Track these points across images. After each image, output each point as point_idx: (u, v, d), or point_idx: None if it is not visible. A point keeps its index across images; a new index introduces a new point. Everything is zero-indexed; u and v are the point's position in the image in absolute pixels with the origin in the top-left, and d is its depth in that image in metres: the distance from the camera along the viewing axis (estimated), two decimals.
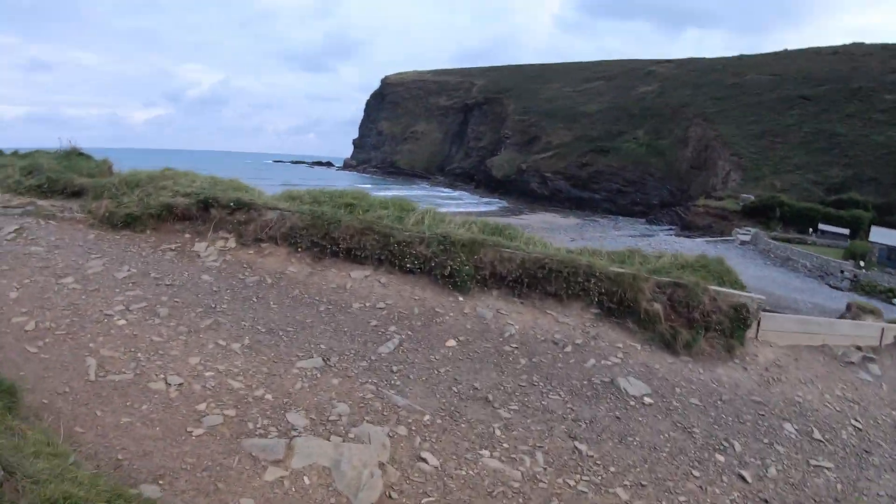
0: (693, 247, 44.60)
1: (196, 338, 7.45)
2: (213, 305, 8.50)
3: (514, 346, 8.93)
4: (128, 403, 5.88)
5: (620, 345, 9.63)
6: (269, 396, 6.32)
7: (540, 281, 10.36)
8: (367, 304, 9.33)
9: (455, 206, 74.85)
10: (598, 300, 10.33)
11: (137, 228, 10.92)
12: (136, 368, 6.50)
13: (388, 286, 9.95)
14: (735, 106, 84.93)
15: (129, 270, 9.25)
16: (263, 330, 7.98)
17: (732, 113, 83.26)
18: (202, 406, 5.95)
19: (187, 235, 10.93)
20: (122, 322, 7.54)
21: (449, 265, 10.12)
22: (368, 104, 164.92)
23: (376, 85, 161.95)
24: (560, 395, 7.85)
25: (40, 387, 5.98)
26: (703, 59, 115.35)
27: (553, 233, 53.10)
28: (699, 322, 10.28)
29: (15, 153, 15.59)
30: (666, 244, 46.83)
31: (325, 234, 10.56)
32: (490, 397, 7.42)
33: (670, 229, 66.60)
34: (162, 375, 6.42)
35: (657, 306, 10.38)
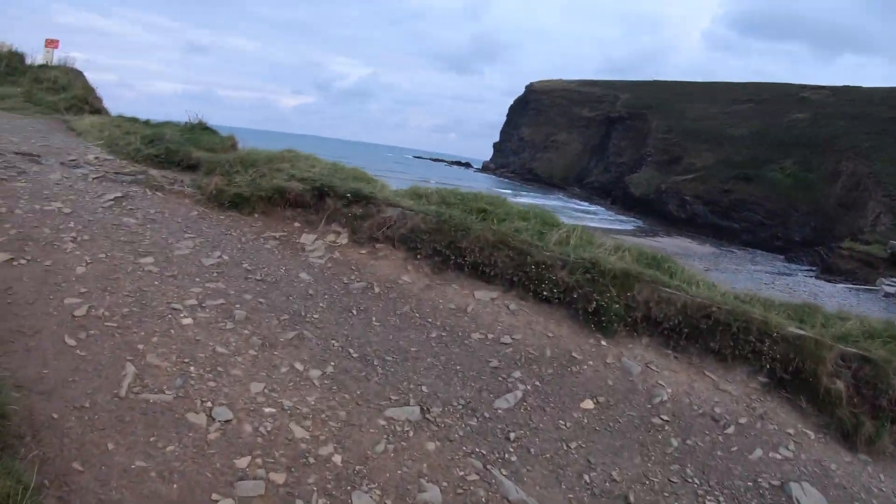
0: (834, 292, 40.08)
1: (269, 355, 5.88)
2: (303, 313, 6.95)
3: (665, 418, 6.71)
4: (152, 438, 4.35)
5: (792, 430, 7.16)
6: (337, 458, 4.58)
7: (702, 333, 8.05)
8: (490, 336, 7.45)
9: (590, 220, 70.99)
10: (769, 367, 7.90)
11: (244, 210, 9.70)
12: (182, 387, 4.99)
13: (517, 315, 8.05)
14: (892, 142, 74.62)
15: (219, 257, 7.94)
16: (356, 355, 6.30)
17: (889, 150, 73.02)
18: (244, 461, 4.30)
19: (297, 224, 9.58)
20: (188, 321, 6.11)
21: (595, 299, 8.03)
22: (511, 109, 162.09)
23: (520, 90, 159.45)
24: (718, 502, 5.60)
25: (59, 393, 4.61)
26: (861, 88, 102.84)
27: (687, 259, 48.63)
28: (885, 411, 7.61)
29: (146, 122, 15.16)
30: (804, 286, 42.06)
31: (450, 243, 8.82)
32: (632, 498, 5.27)
33: (810, 270, 59.81)
34: (209, 403, 4.86)
35: (839, 385, 7.77)
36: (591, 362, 7.40)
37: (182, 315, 6.20)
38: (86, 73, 23.82)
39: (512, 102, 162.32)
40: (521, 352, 7.24)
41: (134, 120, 16.12)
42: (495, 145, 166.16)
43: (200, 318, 6.25)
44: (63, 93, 21.32)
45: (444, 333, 7.32)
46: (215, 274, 7.42)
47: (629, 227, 75.62)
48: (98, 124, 15.23)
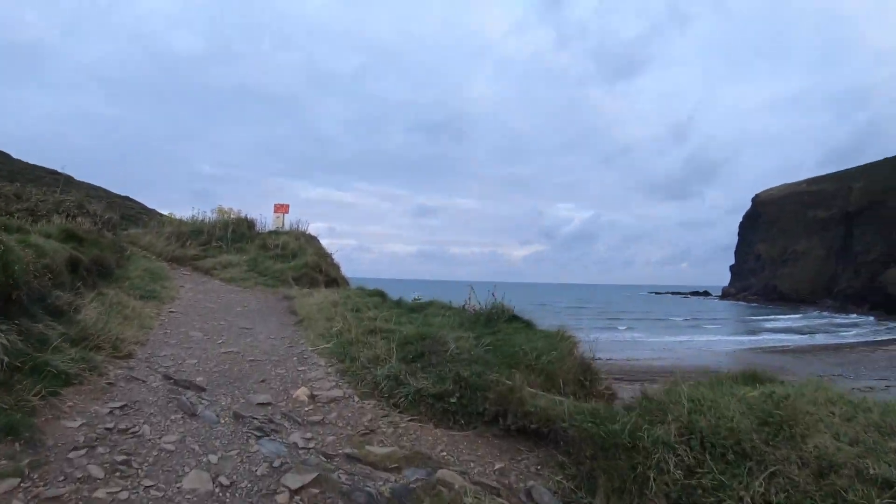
0: None
1: None
2: None
3: None
4: None
5: None
6: None
7: None
8: None
9: (849, 334, 58.05)
10: None
11: None
12: None
13: None
14: None
15: None
16: None
17: None
18: None
19: None
20: None
21: None
22: (742, 226, 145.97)
23: (744, 205, 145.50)
24: None
25: None
26: None
27: None
28: None
29: (398, 302, 9.01)
30: None
31: None
32: None
33: None
34: None
35: None
36: None
37: None
38: (327, 240, 20.11)
39: (741, 219, 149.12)
40: None
41: (376, 294, 10.36)
42: (732, 268, 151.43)
43: None
44: (292, 260, 17.16)
45: None
46: None
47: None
48: (327, 305, 9.50)
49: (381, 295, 10.25)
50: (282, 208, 21.14)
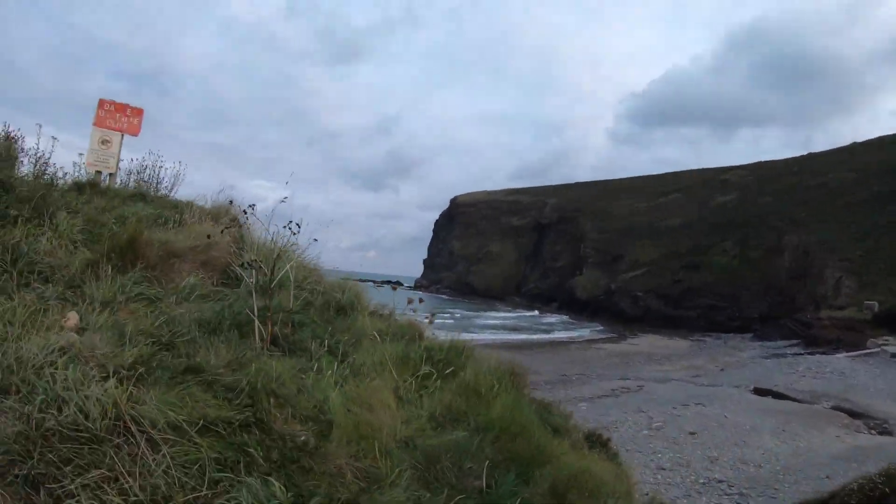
0: (842, 366, 34.67)
1: None
2: None
3: None
4: None
5: None
6: None
7: None
8: None
9: (558, 332, 65.19)
10: None
11: None
12: None
13: None
14: (828, 208, 73.82)
15: None
16: None
17: (827, 216, 71.99)
18: None
19: None
20: None
21: None
22: (437, 224, 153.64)
23: (436, 203, 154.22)
24: None
25: None
26: (773, 161, 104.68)
27: (681, 360, 42.68)
28: None
29: None
30: (826, 366, 35.59)
31: None
32: None
33: (792, 344, 53.46)
34: None
35: None
36: None
37: None
38: None
39: (438, 217, 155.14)
40: None
41: None
42: (425, 262, 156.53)
43: None
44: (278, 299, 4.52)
45: None
46: None
47: (595, 334, 66.98)
48: None
49: None
50: (117, 113, 8.13)
